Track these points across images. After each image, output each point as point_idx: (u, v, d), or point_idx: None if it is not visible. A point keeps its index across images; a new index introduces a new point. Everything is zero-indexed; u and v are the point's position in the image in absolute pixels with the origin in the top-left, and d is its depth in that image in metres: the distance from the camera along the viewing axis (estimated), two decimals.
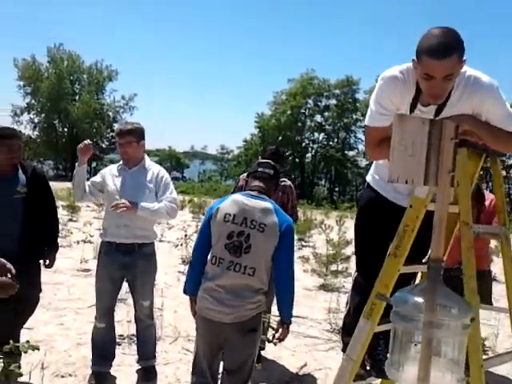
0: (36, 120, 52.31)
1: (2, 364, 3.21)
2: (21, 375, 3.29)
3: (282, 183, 4.10)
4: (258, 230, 2.57)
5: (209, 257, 2.69)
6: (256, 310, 2.62)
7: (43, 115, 52.16)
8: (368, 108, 2.36)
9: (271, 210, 2.62)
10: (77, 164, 3.68)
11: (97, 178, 3.79)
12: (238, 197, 2.69)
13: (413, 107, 2.24)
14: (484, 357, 2.11)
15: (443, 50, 1.91)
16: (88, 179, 3.76)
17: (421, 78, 2.04)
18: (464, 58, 1.99)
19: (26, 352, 3.25)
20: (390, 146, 1.72)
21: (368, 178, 2.76)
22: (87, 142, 3.63)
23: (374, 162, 2.74)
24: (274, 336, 2.84)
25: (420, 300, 1.65)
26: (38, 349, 3.27)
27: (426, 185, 1.78)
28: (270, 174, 2.77)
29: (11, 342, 3.14)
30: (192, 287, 2.77)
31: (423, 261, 2.47)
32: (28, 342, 3.33)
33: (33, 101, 51.92)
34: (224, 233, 2.61)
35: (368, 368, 2.61)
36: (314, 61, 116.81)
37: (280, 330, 2.74)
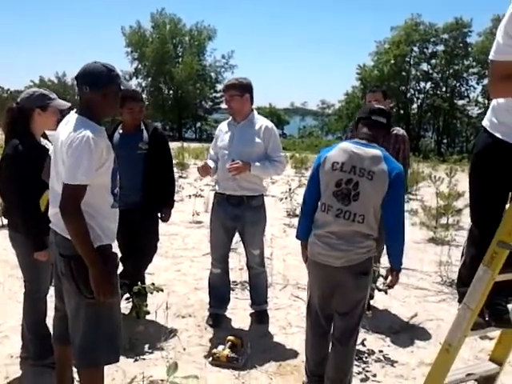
0: (143, 84, 54.96)
1: (132, 304, 3.59)
2: (148, 313, 3.67)
3: (394, 131, 3.97)
4: (367, 178, 2.55)
5: (319, 204, 2.73)
6: (366, 255, 2.64)
7: (150, 79, 54.64)
8: (494, 41, 2.18)
9: (380, 158, 2.57)
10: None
11: (213, 142, 3.96)
12: (346, 145, 2.66)
13: None
14: None
15: None
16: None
17: None
18: None
19: (151, 293, 3.59)
20: None
21: (484, 123, 2.58)
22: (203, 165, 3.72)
23: (492, 105, 2.55)
24: (384, 283, 2.83)
25: None
26: (162, 290, 3.60)
27: None
28: (383, 122, 2.69)
29: (139, 283, 3.49)
30: (303, 233, 2.83)
31: None
32: (153, 284, 3.68)
33: (139, 66, 54.46)
34: (332, 181, 2.62)
35: (487, 318, 2.53)
36: (419, 6, 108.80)
37: (390, 277, 2.74)
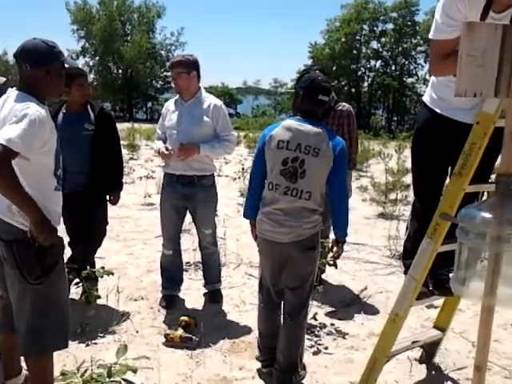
0: (91, 63, 53.26)
1: (82, 288, 3.51)
2: (99, 297, 3.60)
3: (339, 107, 3.99)
4: (313, 155, 2.58)
5: (266, 183, 2.75)
6: (313, 230, 2.69)
7: (98, 58, 52.95)
8: (433, 20, 2.22)
9: (324, 134, 2.61)
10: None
11: (160, 121, 3.87)
12: (289, 122, 2.68)
13: (484, 16, 2.08)
14: None
15: None
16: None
17: None
18: None
19: (101, 277, 3.54)
20: (456, 59, 1.63)
21: (425, 98, 2.65)
22: (165, 151, 3.56)
23: (431, 81, 2.62)
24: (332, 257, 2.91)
25: (488, 215, 1.61)
26: (113, 274, 3.54)
27: (497, 97, 1.70)
28: (326, 101, 2.70)
29: (88, 268, 3.41)
30: (251, 211, 2.86)
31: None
32: (103, 267, 3.61)
33: (87, 44, 52.65)
34: (279, 159, 2.64)
35: (431, 287, 2.63)
36: None
37: (335, 248, 2.82)
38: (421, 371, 2.99)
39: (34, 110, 2.10)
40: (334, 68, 49.17)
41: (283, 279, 2.82)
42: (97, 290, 3.68)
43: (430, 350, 3.05)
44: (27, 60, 2.21)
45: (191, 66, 3.61)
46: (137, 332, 3.41)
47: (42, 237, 2.15)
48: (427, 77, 49.07)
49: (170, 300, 3.86)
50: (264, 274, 2.87)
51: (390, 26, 49.95)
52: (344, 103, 4.08)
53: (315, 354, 3.18)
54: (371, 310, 3.89)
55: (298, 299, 2.77)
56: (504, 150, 1.67)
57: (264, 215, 2.72)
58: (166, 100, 3.99)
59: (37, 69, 2.21)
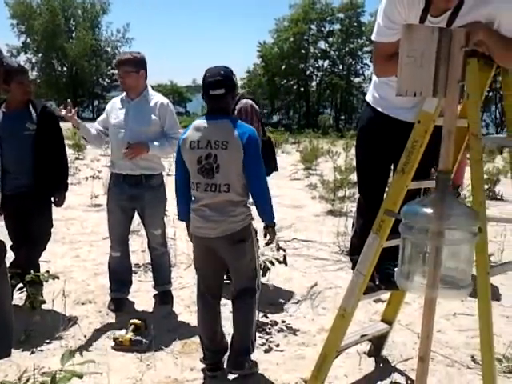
0: (33, 60, 51.26)
1: (27, 294, 3.38)
2: (44, 302, 3.48)
3: (238, 105, 3.79)
4: (222, 148, 2.64)
5: (190, 183, 2.80)
6: (241, 223, 2.74)
7: (40, 54, 51.02)
8: (376, 22, 2.28)
9: (230, 125, 2.67)
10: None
11: (102, 116, 3.78)
12: (198, 122, 2.75)
13: (422, 19, 2.16)
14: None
15: None
16: (95, 119, 3.74)
17: None
18: None
19: (46, 281, 3.41)
20: (397, 61, 1.67)
21: (368, 98, 2.72)
22: (62, 111, 3.43)
23: (373, 80, 2.69)
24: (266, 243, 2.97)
25: (429, 210, 1.67)
26: (58, 278, 3.43)
27: (435, 96, 1.76)
28: (222, 93, 2.69)
29: (32, 272, 3.29)
30: (182, 213, 2.91)
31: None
32: (48, 271, 3.49)
33: (28, 40, 50.61)
34: (193, 159, 2.70)
35: (377, 282, 2.70)
36: None
37: (268, 235, 2.86)
38: (370, 364, 3.07)
39: None
40: (283, 67, 49.65)
41: (217, 274, 2.91)
42: (42, 294, 3.55)
43: (377, 343, 3.14)
44: None
45: (140, 65, 3.54)
46: (85, 337, 3.31)
47: None
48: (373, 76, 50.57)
49: (119, 303, 3.77)
50: (199, 272, 2.93)
51: (337, 26, 50.94)
52: (245, 100, 3.85)
53: (267, 351, 3.20)
54: (321, 306, 3.95)
55: (241, 286, 2.84)
56: (443, 148, 1.73)
57: (194, 212, 2.78)
58: (113, 98, 3.91)
59: None
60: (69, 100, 3.58)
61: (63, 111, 3.41)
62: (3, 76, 2.32)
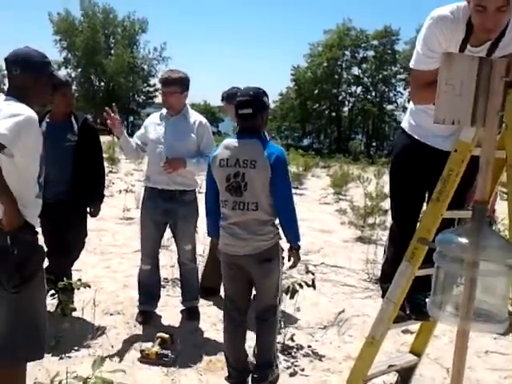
0: (73, 75, 52.80)
1: (58, 300, 3.46)
2: (75, 310, 3.55)
3: None
4: (250, 167, 2.70)
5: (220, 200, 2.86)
6: (270, 242, 2.78)
7: (80, 70, 52.63)
8: (414, 50, 2.31)
9: (259, 145, 2.72)
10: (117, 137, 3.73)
11: (141, 131, 3.89)
12: (228, 141, 2.83)
13: (462, 49, 2.18)
14: None
15: None
16: (130, 134, 3.87)
17: (473, 11, 1.98)
18: None
19: (78, 289, 3.50)
20: (436, 89, 1.70)
21: (403, 125, 2.73)
22: (113, 117, 3.59)
23: (410, 108, 2.70)
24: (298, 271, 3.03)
25: (464, 240, 1.66)
26: (90, 286, 3.51)
27: (474, 126, 1.77)
28: (250, 113, 2.76)
29: (65, 279, 3.38)
30: (212, 230, 2.98)
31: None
32: (80, 280, 3.57)
33: (69, 55, 52.35)
34: (223, 177, 2.77)
35: (408, 311, 2.67)
36: (350, 10, 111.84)
37: (292, 258, 2.88)
38: None
39: (25, 109, 2.16)
40: (316, 92, 49.84)
41: (245, 293, 2.94)
42: (72, 302, 3.64)
43: (405, 375, 3.07)
44: (18, 64, 2.27)
45: (186, 86, 3.68)
46: (112, 347, 3.37)
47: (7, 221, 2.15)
48: (406, 104, 50.15)
49: (147, 316, 3.83)
50: (226, 290, 2.97)
51: (371, 53, 50.99)
52: None
53: (292, 375, 3.19)
54: (348, 333, 3.91)
55: (265, 305, 2.89)
56: (480, 178, 1.72)
57: (223, 230, 2.84)
58: (148, 115, 4.03)
59: (26, 75, 2.26)
60: (114, 104, 3.69)
61: (111, 115, 3.53)
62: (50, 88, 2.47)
